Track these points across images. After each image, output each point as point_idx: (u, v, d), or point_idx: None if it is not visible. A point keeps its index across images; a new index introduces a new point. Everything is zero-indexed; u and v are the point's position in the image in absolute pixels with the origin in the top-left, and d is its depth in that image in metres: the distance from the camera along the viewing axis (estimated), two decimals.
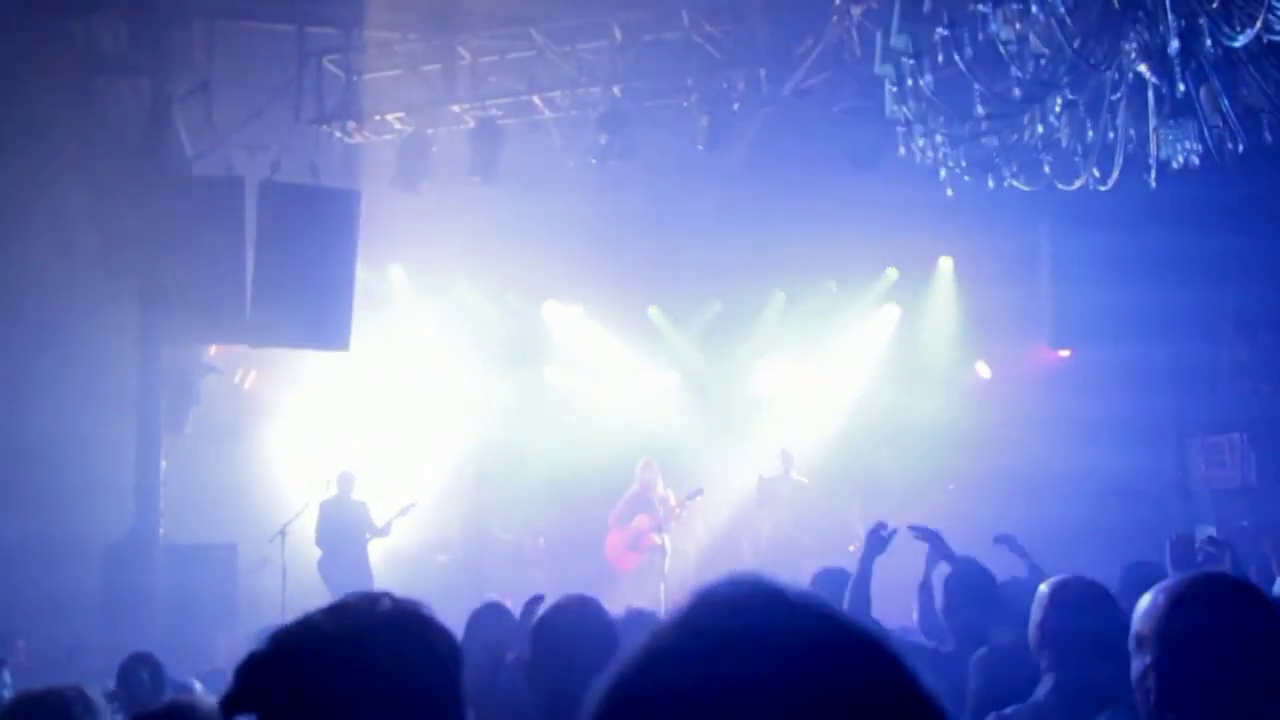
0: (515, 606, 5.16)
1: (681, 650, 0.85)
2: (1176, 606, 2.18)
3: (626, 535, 11.79)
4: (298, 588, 10.29)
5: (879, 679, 0.85)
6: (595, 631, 3.14)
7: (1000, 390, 13.10)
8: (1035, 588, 4.60)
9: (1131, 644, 2.26)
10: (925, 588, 5.21)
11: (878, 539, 5.20)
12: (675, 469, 12.65)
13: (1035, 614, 3.34)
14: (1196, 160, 5.11)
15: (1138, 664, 2.23)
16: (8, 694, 3.48)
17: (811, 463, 12.86)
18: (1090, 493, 11.84)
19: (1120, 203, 9.49)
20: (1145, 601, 2.26)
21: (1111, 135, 5.53)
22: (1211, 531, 10.59)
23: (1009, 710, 3.11)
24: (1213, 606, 2.17)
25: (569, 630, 3.14)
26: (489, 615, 5.26)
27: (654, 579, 11.28)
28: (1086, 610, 3.33)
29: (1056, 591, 3.38)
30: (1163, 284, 10.10)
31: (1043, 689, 3.20)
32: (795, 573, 11.16)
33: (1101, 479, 11.80)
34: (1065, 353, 12.10)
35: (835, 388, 13.88)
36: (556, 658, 3.05)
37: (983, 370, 13.66)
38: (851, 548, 11.89)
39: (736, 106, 9.67)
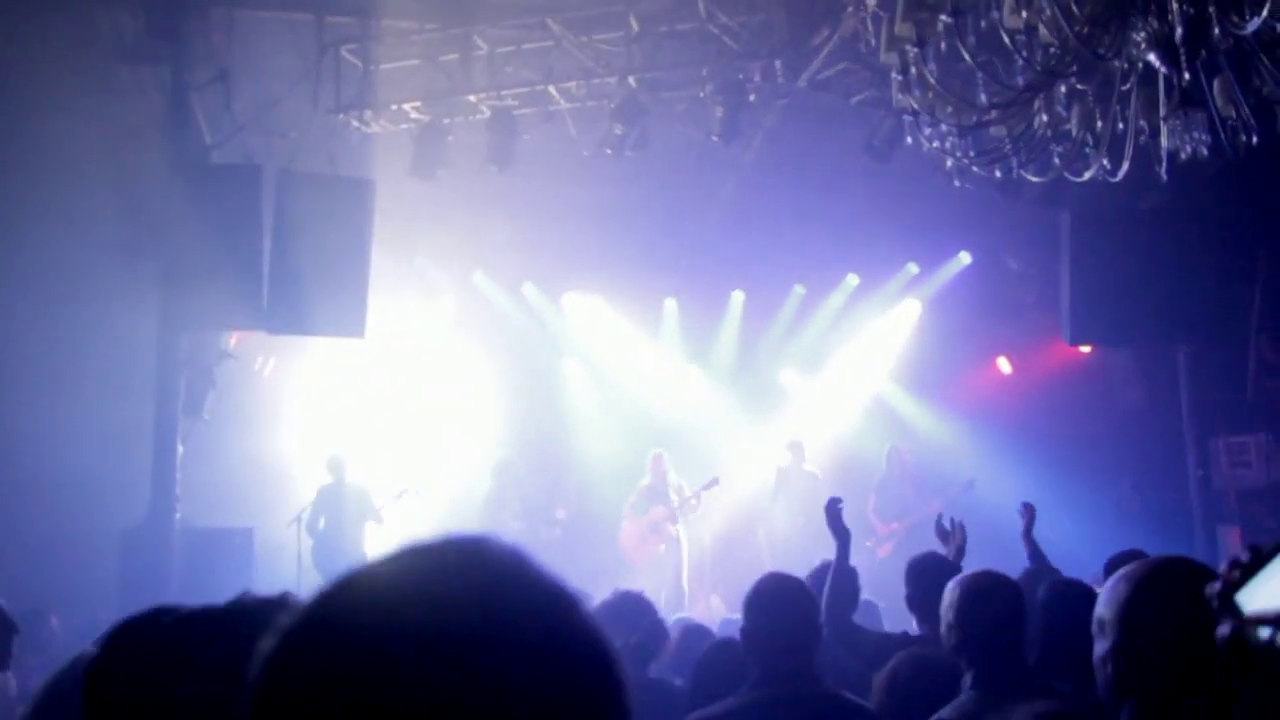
0: None
1: (339, 610, 0.83)
2: (1138, 590, 2.17)
3: (641, 526, 11.82)
4: (313, 573, 10.42)
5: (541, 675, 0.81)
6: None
7: (1021, 387, 13.03)
8: (1042, 581, 4.53)
9: (1094, 628, 2.25)
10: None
11: (837, 521, 4.98)
12: (692, 460, 12.65)
13: (946, 613, 3.35)
14: (1205, 151, 5.02)
15: (1099, 647, 2.22)
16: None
17: (827, 456, 12.83)
18: (1112, 492, 11.74)
19: (1141, 197, 9.45)
20: (1107, 586, 2.25)
21: (1121, 126, 5.46)
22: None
23: (945, 711, 3.12)
24: (1174, 590, 2.15)
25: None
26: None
27: (670, 569, 11.30)
28: (995, 603, 3.34)
29: (966, 587, 3.39)
30: (1185, 280, 9.98)
31: (964, 685, 3.20)
32: (809, 565, 11.16)
33: (1123, 478, 11.68)
34: (1086, 349, 11.99)
35: (853, 381, 13.84)
36: None
37: (1003, 366, 13.58)
38: (869, 543, 11.86)
39: (753, 98, 9.63)
